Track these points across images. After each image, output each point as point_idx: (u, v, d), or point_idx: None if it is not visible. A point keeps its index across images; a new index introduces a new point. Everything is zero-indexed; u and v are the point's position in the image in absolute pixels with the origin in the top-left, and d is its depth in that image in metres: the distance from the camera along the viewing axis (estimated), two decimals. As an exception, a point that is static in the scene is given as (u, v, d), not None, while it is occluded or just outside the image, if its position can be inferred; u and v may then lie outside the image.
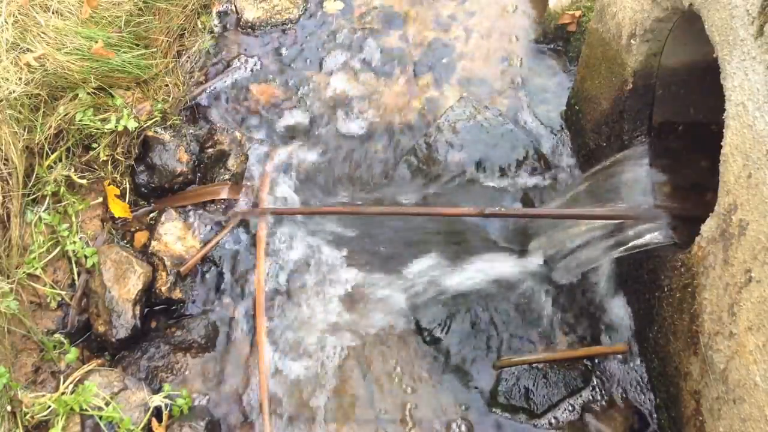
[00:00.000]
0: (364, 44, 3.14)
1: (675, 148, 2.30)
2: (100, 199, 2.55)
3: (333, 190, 2.72)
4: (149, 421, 2.12)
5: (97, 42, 2.48)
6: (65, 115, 2.43)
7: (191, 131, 2.75)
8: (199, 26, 3.09)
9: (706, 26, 1.72)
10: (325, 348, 2.37)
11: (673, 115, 2.33)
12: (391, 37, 3.17)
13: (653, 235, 2.08)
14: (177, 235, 2.52)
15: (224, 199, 2.65)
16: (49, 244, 2.38)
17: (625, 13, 2.23)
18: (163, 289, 2.42)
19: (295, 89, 3.00)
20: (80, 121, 2.45)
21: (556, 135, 2.84)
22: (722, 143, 1.67)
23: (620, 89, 2.34)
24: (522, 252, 2.50)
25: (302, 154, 2.80)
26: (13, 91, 2.31)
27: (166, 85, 2.75)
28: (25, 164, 2.35)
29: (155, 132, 2.64)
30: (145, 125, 2.59)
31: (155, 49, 2.73)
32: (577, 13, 3.00)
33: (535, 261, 2.47)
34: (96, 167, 2.56)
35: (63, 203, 2.46)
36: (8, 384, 2.00)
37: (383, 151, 2.82)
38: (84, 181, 2.52)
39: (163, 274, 2.44)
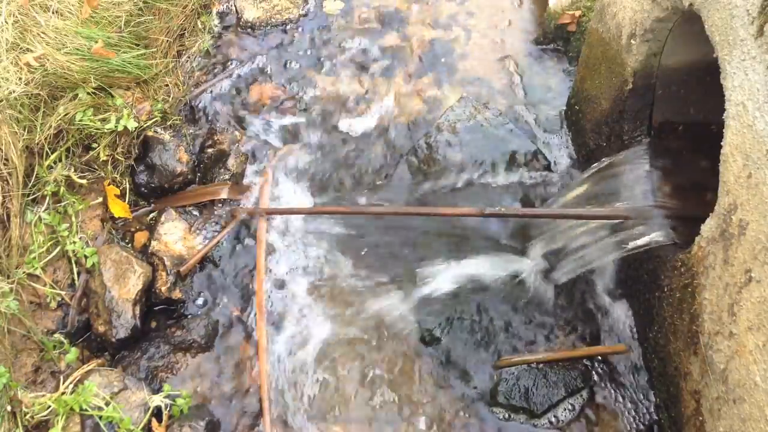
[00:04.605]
0: (364, 44, 3.14)
1: (675, 148, 2.30)
2: (100, 199, 2.55)
3: (333, 190, 2.72)
4: (149, 421, 2.12)
5: (97, 42, 2.48)
6: (65, 115, 2.43)
7: (191, 131, 2.75)
8: (199, 26, 3.09)
9: (706, 26, 1.72)
10: (325, 348, 2.37)
11: (673, 115, 2.33)
12: (391, 36, 3.17)
13: (653, 235, 2.08)
14: (177, 235, 2.53)
15: (224, 199, 2.65)
16: (49, 244, 2.38)
17: (625, 13, 2.23)
18: (163, 289, 2.42)
19: (294, 89, 3.00)
20: (80, 121, 2.45)
21: (556, 135, 2.85)
22: (722, 143, 1.67)
23: (620, 89, 2.34)
24: (522, 252, 2.50)
25: (302, 154, 2.80)
26: (13, 91, 2.31)
27: (166, 85, 2.75)
28: (25, 164, 2.36)
29: (155, 132, 2.64)
30: (145, 125, 2.59)
31: (155, 49, 2.73)
32: (577, 13, 3.00)
33: (535, 261, 2.47)
34: (96, 167, 2.56)
35: (63, 203, 2.46)
36: (8, 384, 2.00)
37: (383, 151, 2.82)
38: (84, 181, 2.52)
39: (163, 274, 2.44)
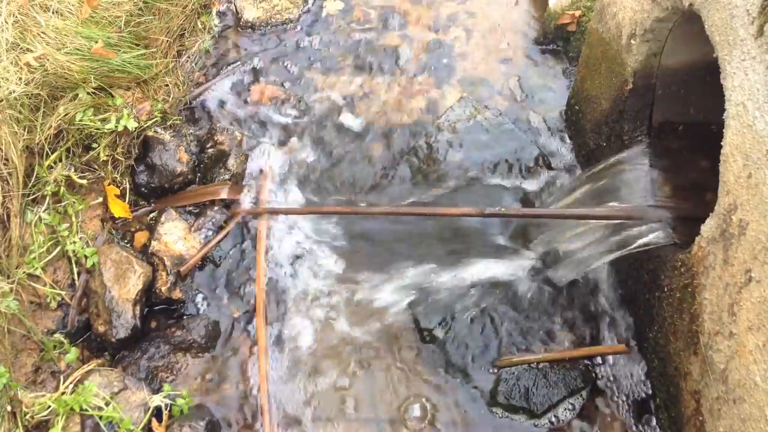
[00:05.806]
0: (364, 44, 3.14)
1: (675, 148, 2.30)
2: (100, 199, 2.56)
3: (333, 190, 2.72)
4: (149, 421, 2.12)
5: (97, 42, 2.48)
6: (65, 115, 2.43)
7: (191, 131, 2.75)
8: (199, 26, 3.09)
9: (706, 26, 1.72)
10: (325, 348, 2.37)
11: (673, 115, 2.33)
12: (391, 36, 3.17)
13: (653, 235, 2.08)
14: (177, 235, 2.52)
15: (224, 199, 2.65)
16: (49, 244, 2.38)
17: (625, 13, 2.23)
18: (163, 289, 2.43)
19: (295, 89, 3.00)
20: (80, 121, 2.45)
21: (556, 135, 2.84)
22: (722, 143, 1.67)
23: (620, 89, 2.34)
24: (522, 252, 2.49)
25: (302, 154, 2.80)
26: (13, 91, 2.31)
27: (166, 85, 2.75)
28: (25, 164, 2.35)
29: (155, 132, 2.64)
30: (145, 125, 2.59)
31: (155, 49, 2.73)
32: (577, 13, 3.00)
33: (535, 261, 2.47)
34: (96, 167, 2.56)
35: (63, 203, 2.46)
36: (8, 384, 2.00)
37: (383, 151, 2.82)
38: (84, 181, 2.52)
39: (163, 274, 2.44)
